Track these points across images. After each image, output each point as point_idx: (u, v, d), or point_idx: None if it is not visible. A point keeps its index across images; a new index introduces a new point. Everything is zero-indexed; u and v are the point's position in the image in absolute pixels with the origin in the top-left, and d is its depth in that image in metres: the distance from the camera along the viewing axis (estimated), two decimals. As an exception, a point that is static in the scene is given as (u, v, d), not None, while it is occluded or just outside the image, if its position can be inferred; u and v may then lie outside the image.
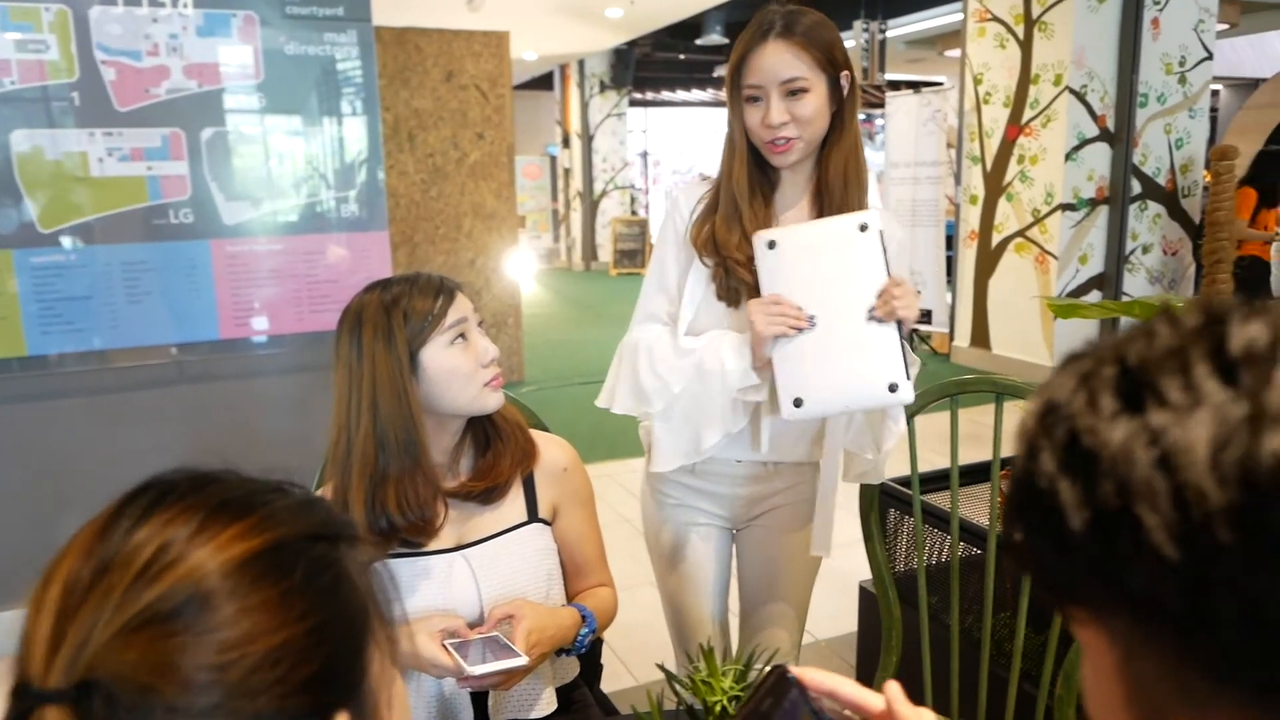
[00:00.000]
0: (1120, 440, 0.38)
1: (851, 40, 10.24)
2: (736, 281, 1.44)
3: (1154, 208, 6.31)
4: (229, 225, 2.73)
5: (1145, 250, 6.34)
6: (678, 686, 0.90)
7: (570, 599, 1.42)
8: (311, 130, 2.79)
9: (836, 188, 1.45)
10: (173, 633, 0.44)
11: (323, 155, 2.82)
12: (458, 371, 1.26)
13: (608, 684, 1.64)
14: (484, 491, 1.32)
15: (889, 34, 9.80)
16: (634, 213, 13.62)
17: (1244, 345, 0.37)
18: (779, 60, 1.37)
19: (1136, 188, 6.22)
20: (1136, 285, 6.30)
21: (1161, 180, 6.28)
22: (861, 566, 1.47)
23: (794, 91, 1.38)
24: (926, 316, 6.92)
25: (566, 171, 13.46)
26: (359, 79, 2.81)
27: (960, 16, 6.94)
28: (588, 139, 12.93)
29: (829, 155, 1.45)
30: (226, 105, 2.68)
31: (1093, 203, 6.19)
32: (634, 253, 12.74)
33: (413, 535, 1.27)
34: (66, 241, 2.61)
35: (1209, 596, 0.35)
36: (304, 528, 0.50)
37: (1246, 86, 13.08)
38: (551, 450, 1.42)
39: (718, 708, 0.84)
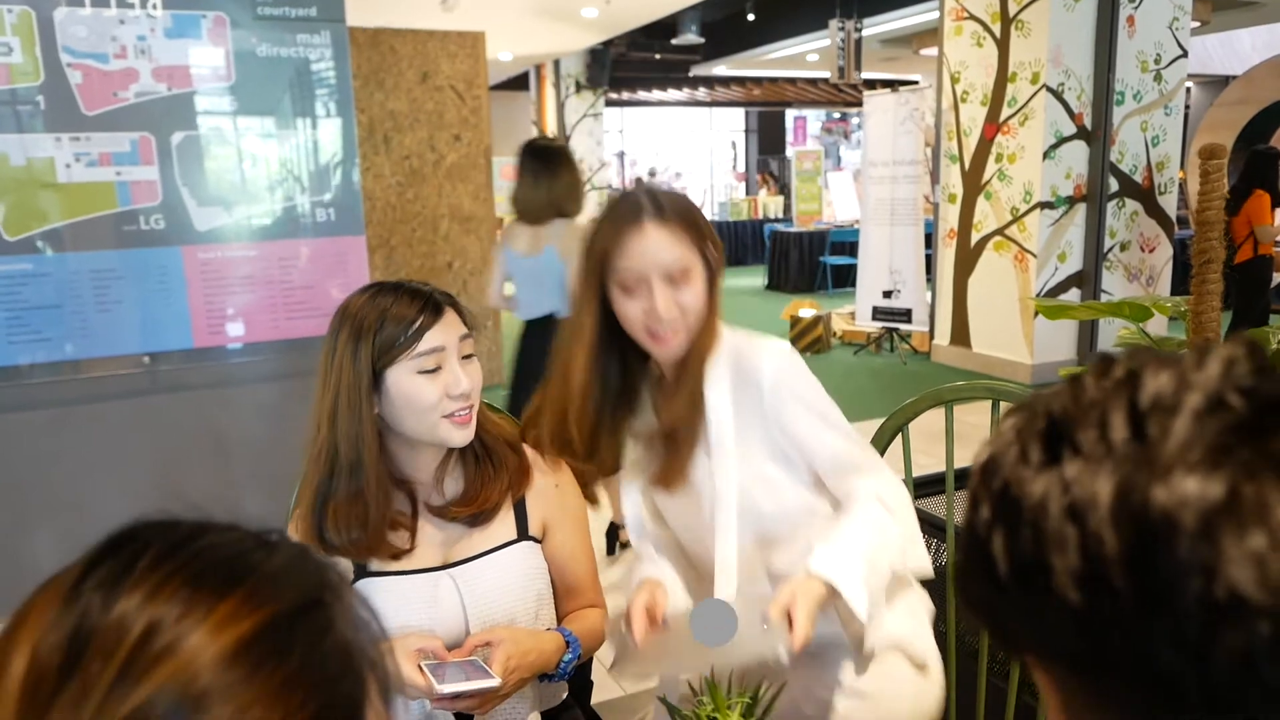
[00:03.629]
0: (1040, 491, 0.40)
1: (827, 39, 10.25)
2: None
3: (1131, 205, 6.36)
4: (201, 231, 2.67)
5: (1123, 248, 6.39)
6: None
7: (559, 619, 1.38)
8: (285, 133, 2.73)
9: (696, 370, 1.27)
10: None
11: (297, 159, 2.76)
12: (417, 401, 1.20)
13: (595, 696, 1.60)
14: (470, 516, 1.28)
15: (864, 33, 9.82)
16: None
17: (1151, 397, 0.39)
18: (659, 245, 1.22)
19: (1114, 185, 6.26)
20: (1115, 282, 6.34)
21: (1138, 178, 6.33)
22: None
23: (678, 278, 1.23)
24: (907, 315, 6.93)
25: (543, 172, 13.37)
26: (333, 80, 2.75)
27: (936, 15, 6.95)
28: (564, 139, 12.87)
29: (701, 335, 1.27)
30: (197, 108, 2.62)
31: (1071, 201, 6.22)
32: (612, 253, 12.67)
33: (352, 557, 1.23)
34: (34, 249, 2.53)
35: (1106, 641, 0.37)
36: (298, 596, 0.45)
37: (1216, 83, 13.23)
38: (544, 465, 1.37)
39: None
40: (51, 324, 2.58)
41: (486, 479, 1.29)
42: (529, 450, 1.37)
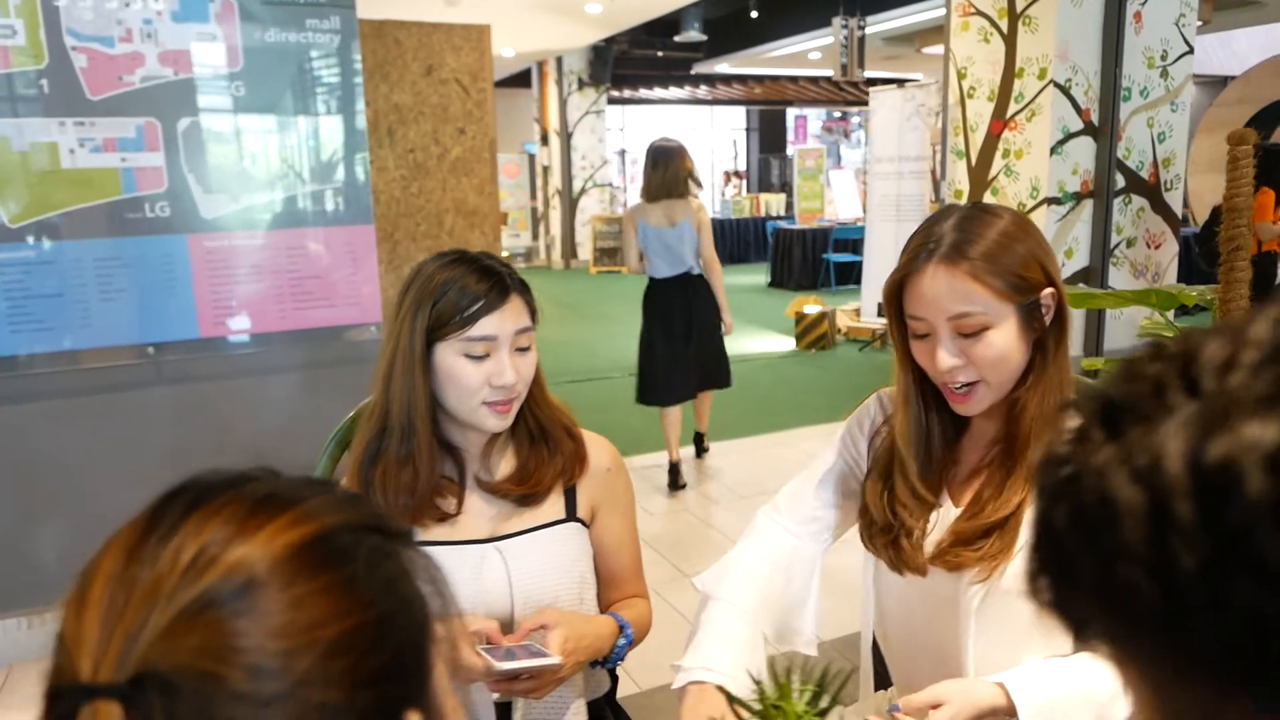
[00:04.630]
0: (1102, 462, 0.40)
1: (830, 37, 10.22)
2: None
3: (1137, 201, 6.33)
4: (208, 219, 2.62)
5: (1129, 244, 6.35)
6: (742, 711, 0.82)
7: (603, 610, 1.35)
8: (293, 120, 2.69)
9: (1033, 432, 1.13)
10: (233, 614, 0.42)
11: (305, 146, 2.71)
12: (458, 382, 1.19)
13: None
14: (521, 495, 1.25)
15: (867, 30, 9.79)
16: (614, 210, 13.54)
17: (1207, 360, 0.40)
18: (943, 291, 1.08)
19: (1120, 181, 6.23)
20: (1121, 279, 6.31)
21: (1144, 174, 6.30)
22: (860, 566, 1.41)
23: (968, 330, 1.09)
24: (912, 312, 6.89)
25: (545, 169, 13.36)
26: (342, 67, 2.71)
27: (941, 11, 6.91)
28: (566, 136, 12.83)
29: (1025, 394, 1.13)
30: (204, 94, 2.57)
31: (1078, 196, 6.20)
32: (614, 250, 12.65)
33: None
34: (36, 237, 2.49)
35: (1186, 602, 0.36)
36: (355, 518, 0.48)
37: (1215, 83, 13.23)
38: (595, 450, 1.34)
39: None
40: (54, 313, 2.53)
41: (541, 460, 1.28)
42: (588, 436, 1.34)
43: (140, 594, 0.43)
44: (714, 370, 4.34)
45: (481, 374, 1.19)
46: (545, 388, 1.30)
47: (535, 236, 13.92)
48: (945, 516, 1.18)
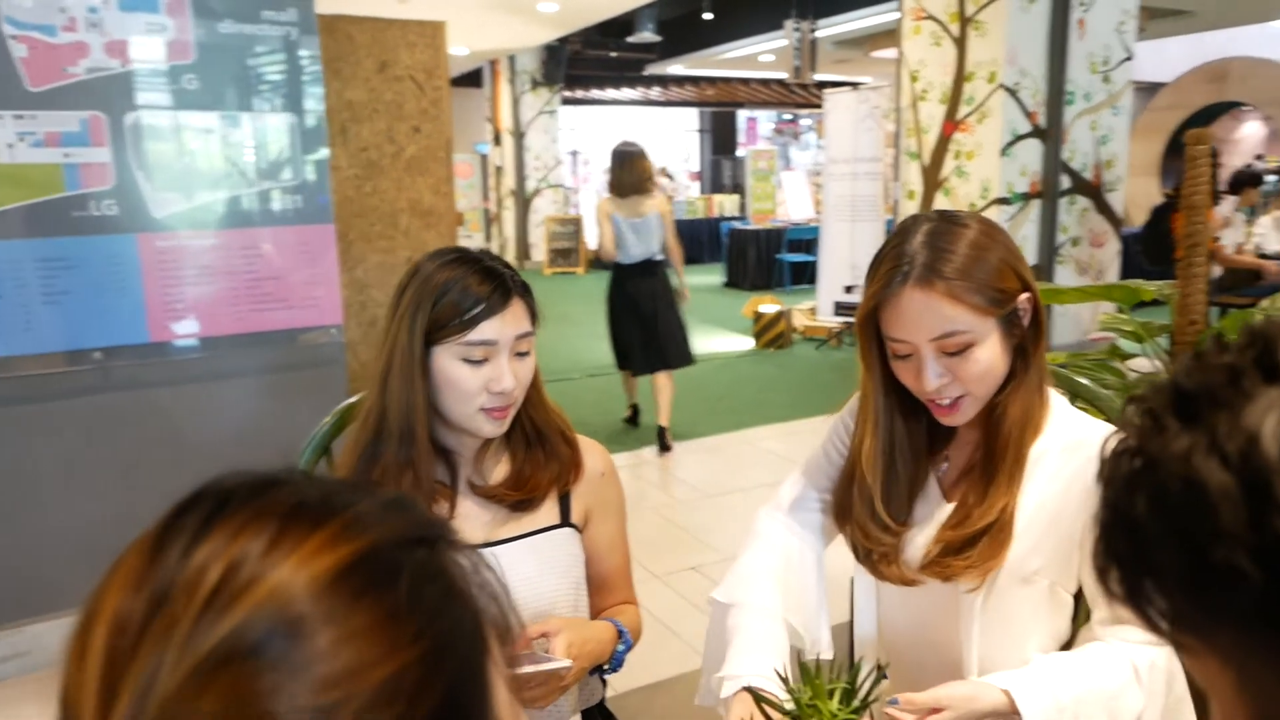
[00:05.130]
0: (1184, 447, 0.39)
1: (783, 39, 10.29)
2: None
3: (1082, 202, 6.49)
4: (158, 218, 2.53)
5: (1074, 243, 6.51)
6: (773, 712, 0.79)
7: (593, 616, 1.32)
8: (248, 116, 2.60)
9: (1014, 436, 1.12)
10: (260, 670, 0.36)
11: (261, 143, 2.63)
12: (456, 387, 1.16)
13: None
14: (516, 501, 1.21)
15: (818, 34, 9.87)
16: (567, 211, 13.48)
17: None
18: (922, 314, 1.06)
19: (1065, 182, 6.37)
20: (1066, 276, 6.46)
21: (1088, 175, 6.46)
22: (849, 560, 1.40)
23: (952, 349, 1.08)
24: (867, 312, 6.96)
25: (498, 169, 13.25)
26: (300, 60, 2.63)
27: (893, 15, 7.00)
28: (519, 136, 12.74)
29: (1007, 398, 1.13)
30: (153, 87, 2.48)
31: (1026, 197, 6.32)
32: (568, 251, 12.59)
33: None
34: (-26, 236, 2.38)
35: None
36: (399, 530, 0.41)
37: (1147, 90, 13.60)
38: (590, 455, 1.32)
39: None
40: (-6, 317, 2.42)
41: (536, 465, 1.24)
42: (581, 441, 1.32)
43: (152, 634, 0.36)
44: (677, 349, 4.84)
45: (479, 379, 1.15)
46: (543, 391, 1.27)
47: (488, 238, 13.79)
48: (939, 515, 1.17)
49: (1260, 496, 0.36)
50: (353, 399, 1.42)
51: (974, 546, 1.11)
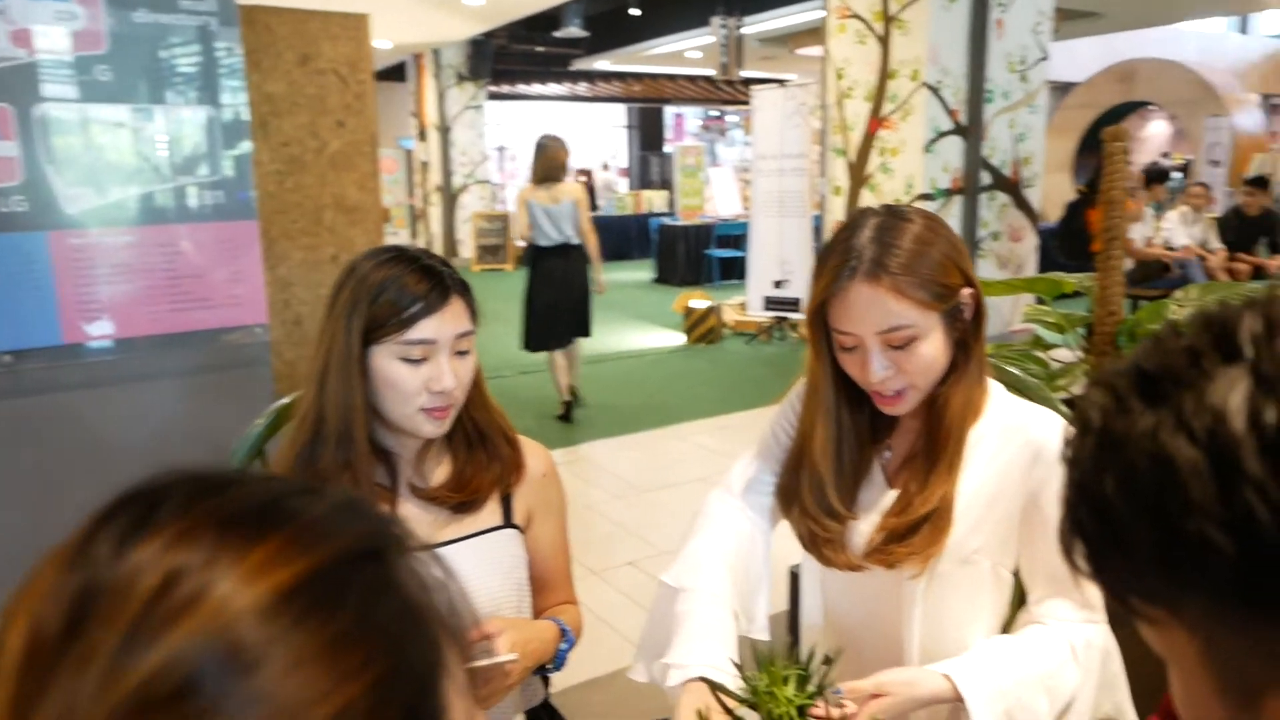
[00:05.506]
0: (1149, 425, 0.40)
1: (709, 36, 10.35)
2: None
3: (1001, 198, 6.67)
4: (71, 215, 2.42)
5: (995, 237, 6.69)
6: (730, 701, 0.79)
7: (535, 616, 1.31)
8: (166, 109, 2.51)
9: (954, 425, 1.15)
10: (209, 707, 0.31)
11: (180, 136, 2.54)
12: (395, 387, 1.14)
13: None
14: (457, 503, 1.19)
15: (744, 31, 9.96)
16: (494, 208, 13.35)
17: (1246, 331, 0.41)
18: (868, 308, 1.09)
19: (985, 179, 6.54)
20: (987, 270, 6.64)
21: (1007, 172, 6.64)
22: (790, 551, 1.42)
23: (898, 343, 1.10)
24: (796, 304, 7.05)
25: (424, 165, 13.06)
26: (219, 50, 2.55)
27: (815, 14, 7.10)
28: (445, 132, 12.57)
29: (949, 389, 1.16)
30: (64, 78, 2.37)
31: (948, 193, 6.46)
32: (496, 248, 12.47)
33: None
34: None
35: (1258, 551, 0.36)
36: (350, 544, 0.38)
37: (1059, 90, 14.08)
38: (531, 456, 1.31)
39: None
40: (-108, 319, 2.29)
41: (479, 466, 1.22)
42: (523, 441, 1.30)
43: (70, 658, 0.32)
44: (582, 322, 5.27)
45: (419, 379, 1.13)
46: (485, 391, 1.25)
47: (414, 234, 13.58)
48: (883, 502, 1.20)
49: (1229, 469, 0.37)
50: (287, 399, 1.38)
51: (916, 533, 1.14)
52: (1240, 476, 0.37)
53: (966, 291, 1.14)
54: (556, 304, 5.12)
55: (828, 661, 0.85)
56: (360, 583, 0.37)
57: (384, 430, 1.19)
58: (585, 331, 5.32)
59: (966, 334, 1.16)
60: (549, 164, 5.09)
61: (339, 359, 1.12)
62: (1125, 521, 0.41)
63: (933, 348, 1.11)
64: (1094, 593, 1.16)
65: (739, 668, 0.79)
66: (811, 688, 0.79)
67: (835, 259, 1.11)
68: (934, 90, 6.25)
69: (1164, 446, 0.39)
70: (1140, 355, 0.44)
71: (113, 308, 2.48)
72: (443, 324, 1.13)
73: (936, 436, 1.16)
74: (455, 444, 1.24)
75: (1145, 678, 1.23)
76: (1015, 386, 1.55)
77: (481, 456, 1.23)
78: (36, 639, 0.33)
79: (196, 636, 0.32)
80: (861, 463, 1.22)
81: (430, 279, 1.14)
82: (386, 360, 1.13)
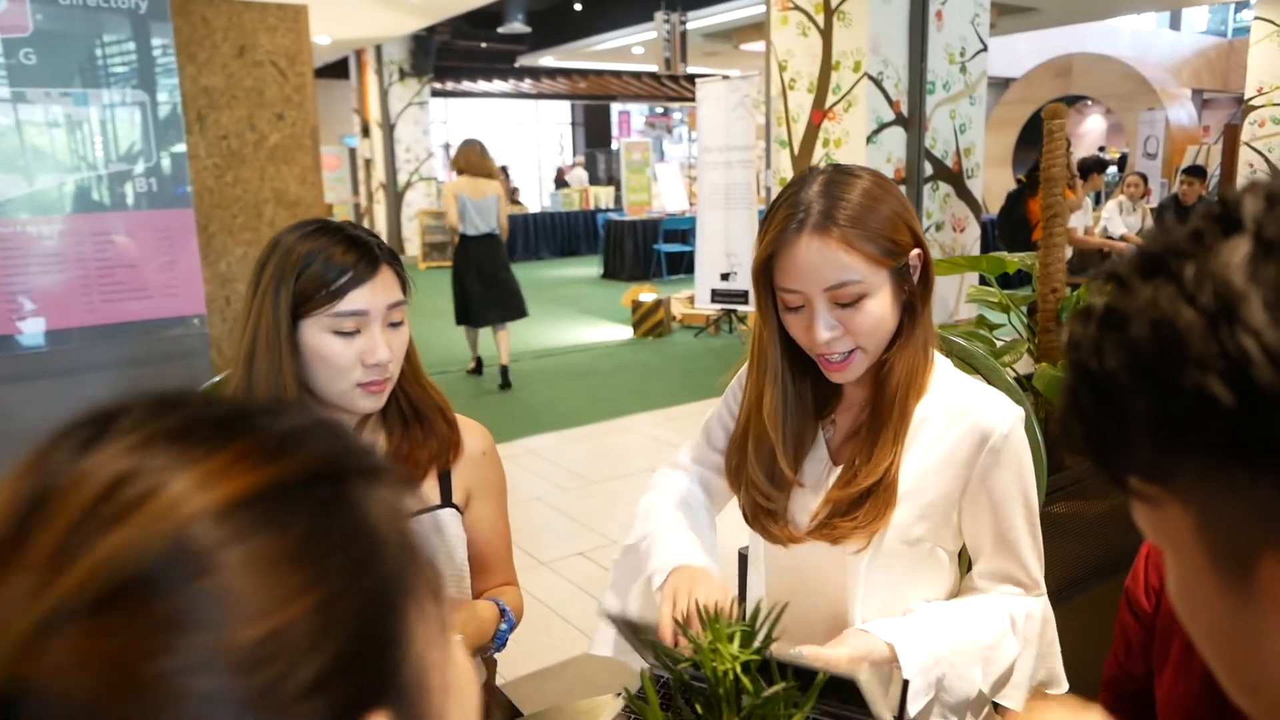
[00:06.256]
0: (1149, 294, 0.40)
1: (653, 31, 10.35)
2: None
3: (944, 188, 6.77)
4: (-5, 203, 2.34)
5: (938, 228, 6.78)
6: (665, 658, 0.79)
7: (475, 597, 1.28)
8: (97, 92, 2.43)
9: (899, 395, 1.14)
10: (160, 603, 0.30)
11: (111, 122, 2.47)
12: (328, 362, 1.11)
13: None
14: None
15: (688, 25, 9.98)
16: (440, 205, 13.21)
17: (1249, 204, 0.41)
18: (817, 262, 1.05)
19: (928, 169, 6.63)
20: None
21: (949, 162, 6.74)
22: (738, 536, 1.42)
23: (846, 300, 1.08)
24: (744, 296, 7.08)
25: (368, 162, 12.87)
26: (153, 34, 2.48)
27: (756, 9, 7.15)
28: (389, 128, 12.41)
29: (894, 355, 1.14)
30: (-14, 62, 2.29)
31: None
32: (443, 245, 12.34)
33: None
34: None
35: (1258, 394, 0.36)
36: (311, 463, 0.36)
37: (997, 85, 14.38)
38: (469, 434, 1.28)
39: (729, 678, 0.73)
40: None
41: (415, 444, 1.19)
42: (461, 420, 1.27)
43: (17, 556, 0.30)
44: (512, 305, 5.88)
45: (353, 351, 1.10)
46: (419, 367, 1.23)
47: (359, 233, 13.38)
48: (828, 478, 1.19)
49: (1228, 321, 0.37)
50: (216, 378, 1.34)
51: (860, 508, 1.13)
52: (1240, 327, 0.37)
53: (915, 252, 1.12)
54: (484, 285, 5.80)
55: (776, 616, 0.84)
56: (317, 501, 0.35)
57: (315, 407, 1.16)
58: (523, 312, 5.93)
59: (914, 296, 1.14)
60: (476, 163, 5.78)
61: (267, 335, 1.09)
62: (1124, 390, 0.41)
63: (880, 306, 1.09)
64: (1036, 566, 1.17)
65: (683, 626, 0.78)
66: (757, 643, 0.78)
67: (782, 212, 1.08)
68: (876, 81, 6.33)
69: (1163, 310, 0.39)
70: (1145, 240, 0.45)
71: (43, 298, 2.40)
72: (374, 294, 1.11)
73: (881, 406, 1.15)
74: (390, 420, 1.21)
75: (1082, 653, 1.26)
76: (963, 359, 1.57)
77: (418, 433, 1.21)
78: None
79: (151, 530, 0.31)
80: (805, 433, 1.21)
81: (358, 249, 1.11)
82: (317, 334, 1.10)
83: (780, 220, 1.08)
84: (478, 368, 6.25)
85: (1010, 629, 1.13)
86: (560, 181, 15.93)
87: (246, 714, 0.31)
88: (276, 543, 0.33)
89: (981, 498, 1.15)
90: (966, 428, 1.14)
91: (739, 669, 0.74)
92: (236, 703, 0.30)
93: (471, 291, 5.80)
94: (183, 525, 0.31)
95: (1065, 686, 1.21)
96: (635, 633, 0.96)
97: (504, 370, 5.93)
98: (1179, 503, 0.42)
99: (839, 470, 1.18)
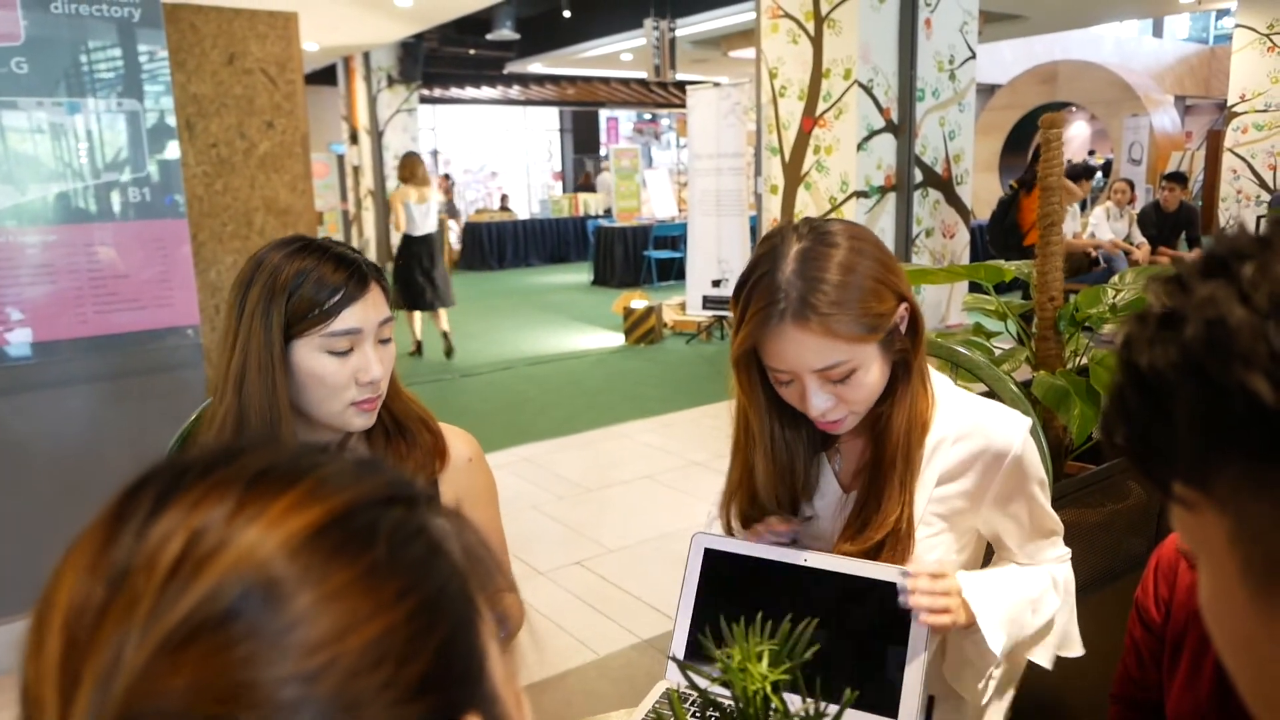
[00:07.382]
0: (1207, 293, 0.40)
1: (642, 38, 10.37)
2: None
3: (934, 194, 6.81)
4: (-15, 214, 2.31)
5: (928, 234, 6.82)
6: (695, 676, 0.77)
7: None
8: (89, 101, 2.41)
9: (901, 445, 1.13)
10: (235, 638, 0.33)
11: (102, 131, 2.44)
12: (323, 382, 1.10)
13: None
14: None
15: (677, 33, 10.00)
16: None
17: None
18: (802, 351, 1.04)
19: (918, 176, 6.66)
20: (922, 265, 6.76)
21: (939, 169, 6.78)
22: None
23: (836, 378, 1.07)
24: (736, 304, 7.09)
25: (356, 169, 12.84)
26: (145, 43, 2.46)
27: (745, 16, 7.17)
28: (378, 135, 12.37)
29: (892, 409, 1.14)
30: (-23, 71, 2.26)
31: (883, 190, 6.57)
32: (432, 253, 12.32)
33: None
34: None
35: None
36: (372, 490, 0.39)
37: (984, 91, 14.48)
38: (454, 442, 1.26)
39: (759, 697, 0.72)
40: None
41: (399, 456, 1.18)
42: (445, 428, 1.26)
43: (113, 615, 0.33)
44: (446, 293, 6.90)
45: (347, 370, 1.10)
46: (398, 380, 1.22)
47: (348, 239, 13.35)
48: (843, 507, 1.20)
49: (1278, 321, 0.37)
50: (208, 401, 1.33)
51: (877, 555, 1.14)
52: None
53: (901, 308, 1.10)
54: (424, 276, 6.84)
55: (808, 644, 0.84)
56: (389, 522, 0.38)
57: (304, 428, 1.15)
58: (450, 301, 6.99)
59: (906, 350, 1.13)
60: (419, 172, 6.83)
61: (258, 358, 1.07)
62: (1171, 387, 0.40)
63: (872, 376, 1.09)
64: (1056, 516, 1.23)
65: (715, 646, 0.77)
66: (787, 662, 0.78)
67: (760, 299, 1.04)
68: (866, 89, 6.36)
69: (1218, 309, 0.39)
70: (1210, 245, 0.44)
71: (34, 309, 2.37)
72: (366, 312, 1.11)
73: (882, 460, 1.14)
74: (374, 437, 1.20)
75: (1083, 657, 1.29)
76: (966, 367, 1.56)
77: (401, 446, 1.20)
78: (78, 607, 0.34)
79: (229, 574, 0.34)
80: (811, 470, 1.21)
81: (347, 267, 1.10)
82: (310, 354, 1.09)
83: (758, 309, 1.05)
84: (418, 350, 7.09)
85: (1051, 586, 1.19)
86: (586, 186, 15.88)
87: (367, 709, 0.33)
88: (361, 561, 0.36)
89: (1007, 510, 1.18)
90: (979, 448, 1.15)
91: (769, 689, 0.73)
92: (342, 710, 0.33)
93: (416, 281, 6.82)
94: (262, 566, 0.34)
95: (1081, 650, 1.26)
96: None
97: (445, 335, 7.01)
98: (1216, 508, 0.42)
99: (851, 497, 1.19)
